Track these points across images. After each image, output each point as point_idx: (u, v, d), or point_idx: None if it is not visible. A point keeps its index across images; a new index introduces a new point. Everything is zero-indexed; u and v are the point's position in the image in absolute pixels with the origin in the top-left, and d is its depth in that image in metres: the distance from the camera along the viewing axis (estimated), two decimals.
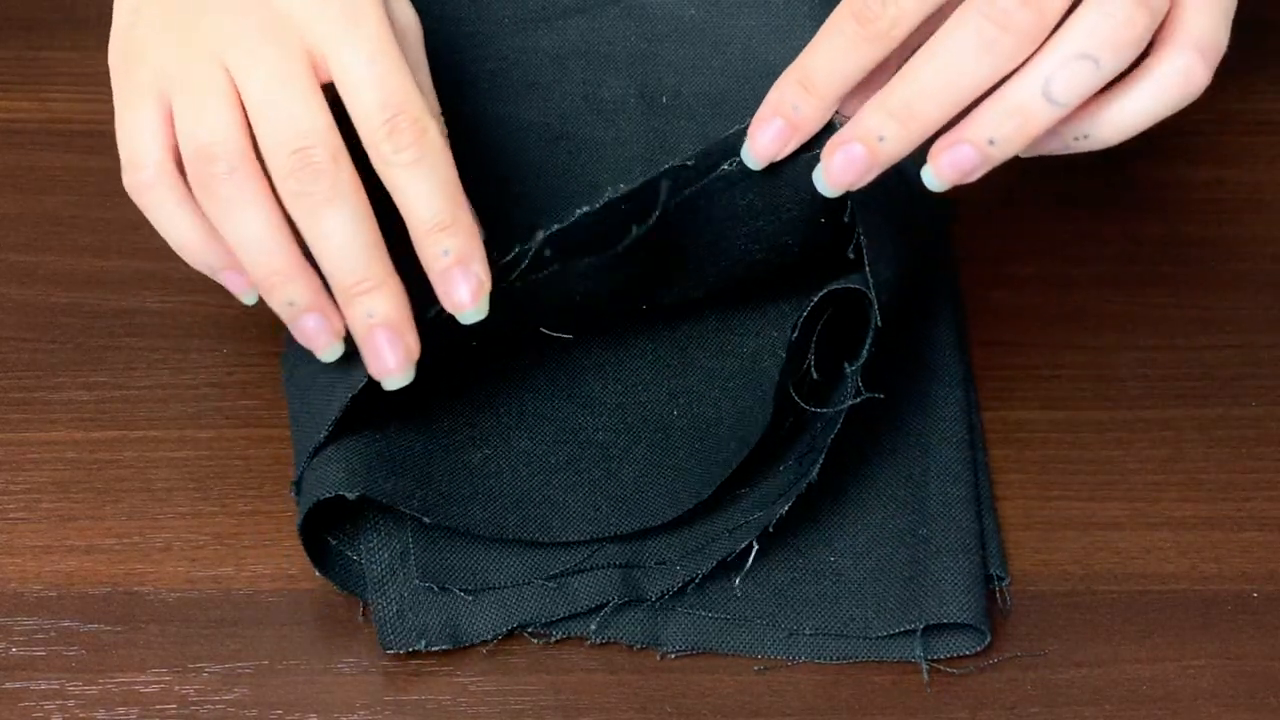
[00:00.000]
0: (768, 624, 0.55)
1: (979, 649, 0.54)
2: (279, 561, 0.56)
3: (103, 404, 0.60)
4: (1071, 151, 0.51)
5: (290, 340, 0.56)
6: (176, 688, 0.53)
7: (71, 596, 0.55)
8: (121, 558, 0.56)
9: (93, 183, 0.67)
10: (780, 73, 0.52)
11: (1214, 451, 0.60)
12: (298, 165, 0.50)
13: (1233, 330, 0.64)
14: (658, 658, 0.54)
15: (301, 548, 0.54)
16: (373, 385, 0.53)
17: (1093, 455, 0.60)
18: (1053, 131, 0.50)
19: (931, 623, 0.54)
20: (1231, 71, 0.74)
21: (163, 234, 0.54)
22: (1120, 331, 0.64)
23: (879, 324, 0.53)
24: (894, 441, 0.59)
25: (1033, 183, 0.67)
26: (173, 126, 0.53)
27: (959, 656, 0.54)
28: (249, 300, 0.55)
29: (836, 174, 0.51)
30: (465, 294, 0.52)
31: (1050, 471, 0.59)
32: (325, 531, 0.55)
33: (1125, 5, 0.47)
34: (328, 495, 0.53)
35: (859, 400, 0.54)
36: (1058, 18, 0.48)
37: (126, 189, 0.53)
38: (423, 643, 0.53)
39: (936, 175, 0.50)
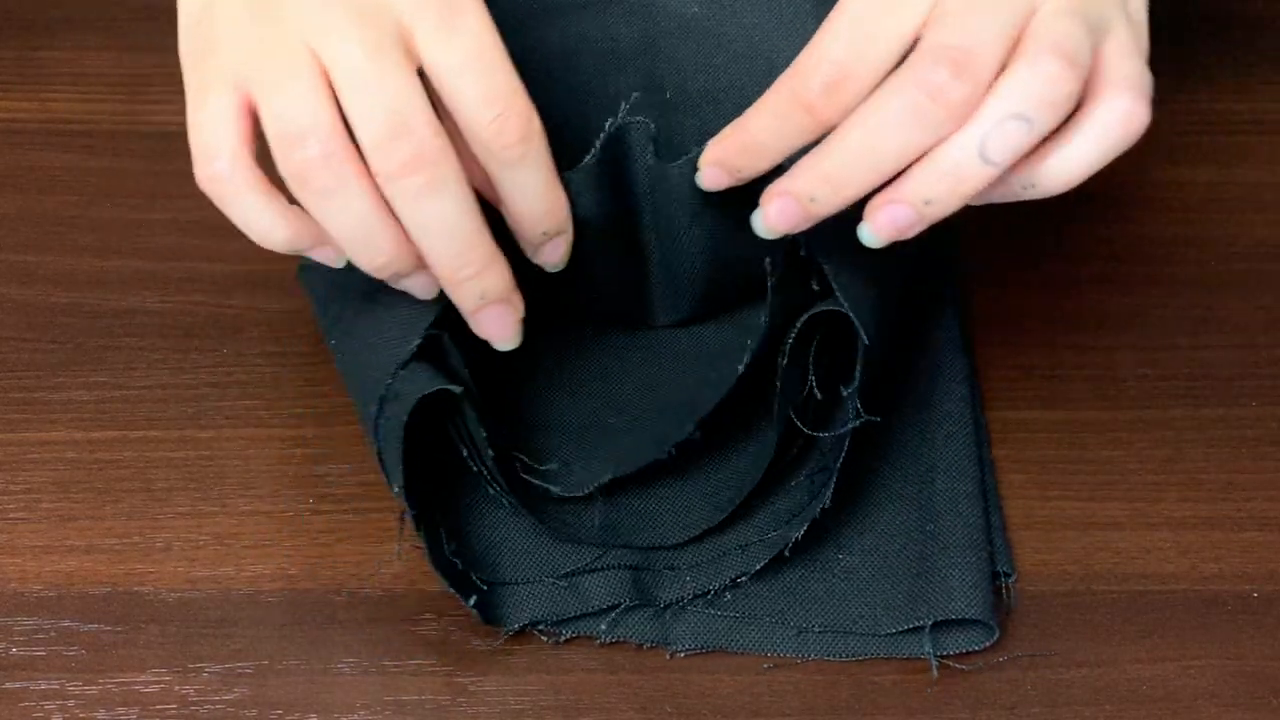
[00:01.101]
0: (777, 622, 0.55)
1: (987, 645, 0.54)
2: (279, 561, 0.56)
3: (103, 404, 0.60)
4: (1019, 199, 0.51)
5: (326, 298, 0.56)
6: (176, 688, 0.53)
7: (71, 596, 0.55)
8: (121, 558, 0.56)
9: (93, 183, 0.67)
10: (783, 69, 0.52)
11: (1214, 451, 0.60)
12: (394, 146, 0.48)
13: (1233, 330, 0.64)
14: (667, 656, 0.54)
15: (302, 548, 0.54)
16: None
17: (1093, 455, 0.60)
18: (999, 182, 0.50)
19: (940, 619, 0.54)
20: (1231, 71, 0.74)
21: (243, 227, 0.51)
22: (1120, 331, 0.64)
23: (867, 341, 0.53)
24: (900, 438, 0.59)
25: None
26: (249, 117, 0.50)
27: (968, 653, 0.54)
28: (341, 264, 0.53)
29: (772, 220, 0.51)
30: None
31: (1050, 471, 0.59)
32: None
33: (1055, 63, 0.47)
34: (430, 390, 0.52)
35: (860, 423, 0.54)
36: (989, 84, 0.48)
37: (199, 182, 0.50)
38: (472, 602, 0.53)
39: (874, 232, 0.50)
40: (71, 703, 0.52)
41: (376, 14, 0.49)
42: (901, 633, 0.54)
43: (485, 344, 0.55)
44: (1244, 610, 0.56)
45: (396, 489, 0.52)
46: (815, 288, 0.55)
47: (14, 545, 0.56)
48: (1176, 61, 0.74)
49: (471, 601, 0.53)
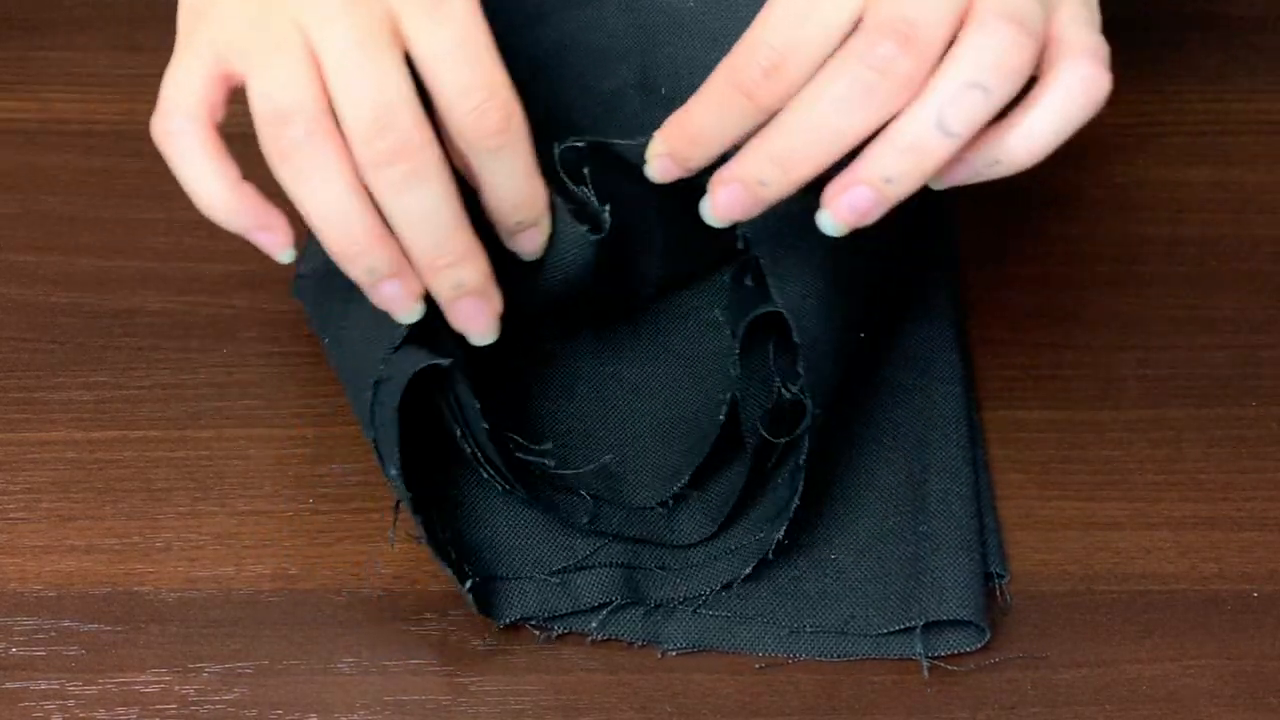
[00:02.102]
0: (768, 622, 0.55)
1: (979, 646, 0.54)
2: (279, 561, 0.56)
3: (103, 404, 0.60)
4: (985, 179, 0.50)
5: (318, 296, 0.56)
6: (176, 688, 0.53)
7: (71, 596, 0.55)
8: (121, 558, 0.56)
9: (93, 183, 0.67)
10: None
11: (1214, 451, 0.60)
12: (378, 135, 0.49)
13: (1233, 330, 0.64)
14: (658, 655, 0.54)
15: (302, 548, 0.54)
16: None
17: (1093, 455, 0.60)
18: (961, 161, 0.49)
19: (931, 619, 0.54)
20: (1231, 71, 0.74)
21: (188, 189, 0.51)
22: (1120, 331, 0.64)
23: (798, 340, 0.52)
24: (894, 439, 0.59)
25: (1033, 182, 0.67)
26: (222, 86, 0.50)
27: (959, 654, 0.54)
28: (285, 258, 0.52)
29: (721, 208, 0.51)
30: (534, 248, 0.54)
31: (1050, 471, 0.59)
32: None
33: (1008, 28, 0.46)
34: (422, 366, 0.52)
35: (812, 420, 0.53)
36: (938, 57, 0.47)
37: (154, 136, 0.50)
38: (468, 587, 0.53)
39: (834, 218, 0.49)
40: (71, 703, 0.52)
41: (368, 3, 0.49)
42: (893, 633, 0.54)
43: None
44: (1244, 610, 0.56)
45: (393, 471, 0.52)
46: (749, 283, 0.54)
47: (14, 545, 0.56)
48: (1176, 61, 0.74)
49: (467, 586, 0.53)
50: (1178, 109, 0.72)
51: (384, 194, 0.50)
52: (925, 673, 0.54)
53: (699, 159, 0.51)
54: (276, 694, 0.53)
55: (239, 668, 0.53)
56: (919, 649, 0.54)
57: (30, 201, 0.66)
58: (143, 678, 0.53)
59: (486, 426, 0.54)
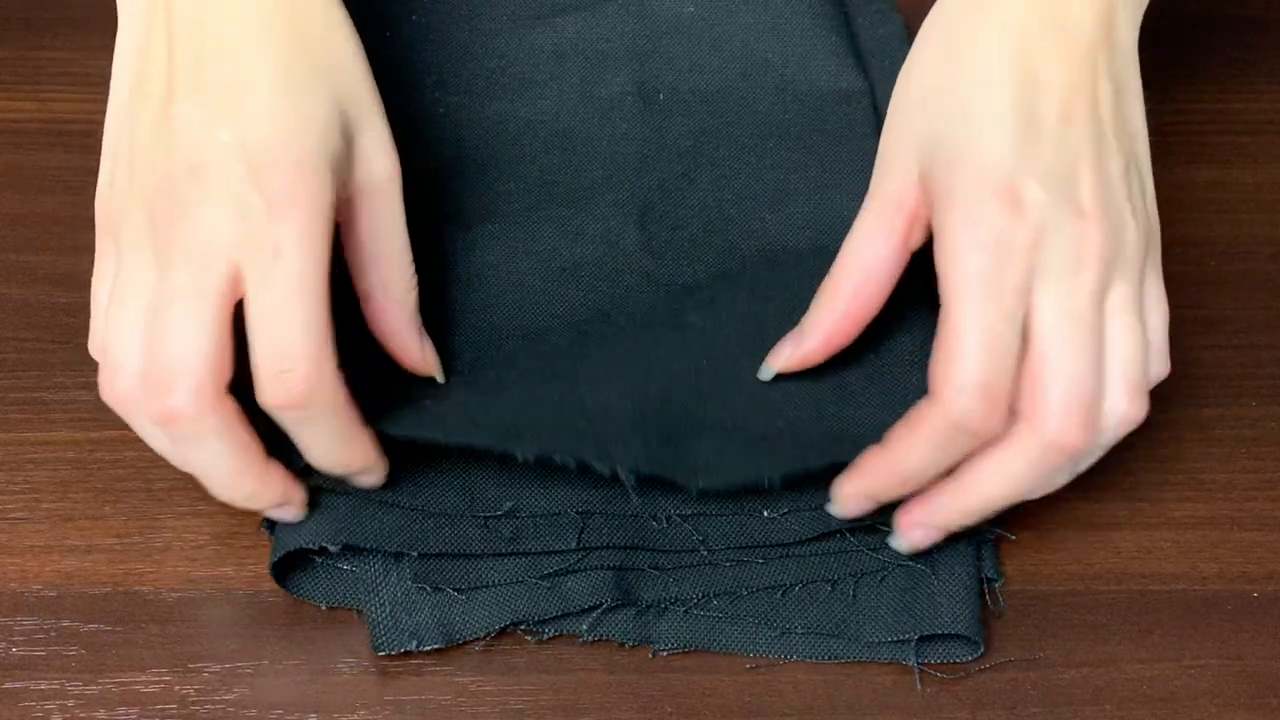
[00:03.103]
0: (760, 623, 0.55)
1: (973, 658, 0.54)
2: None
3: (102, 404, 0.60)
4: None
5: None
6: (176, 688, 0.53)
7: (71, 596, 0.55)
8: (121, 558, 0.56)
9: (93, 183, 0.67)
10: (777, 70, 0.52)
11: (1214, 451, 0.60)
12: (164, 392, 0.49)
13: (1233, 330, 0.64)
14: (649, 655, 0.54)
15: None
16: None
17: None
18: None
19: (925, 633, 0.54)
20: (1231, 71, 0.74)
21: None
22: None
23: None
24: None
25: None
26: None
27: (952, 663, 0.54)
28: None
29: (909, 546, 0.55)
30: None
31: None
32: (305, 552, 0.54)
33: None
34: (307, 545, 0.53)
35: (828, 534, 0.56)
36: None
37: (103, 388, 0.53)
38: (414, 643, 0.53)
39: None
40: (71, 703, 0.52)
41: (208, 248, 0.49)
42: (885, 642, 0.54)
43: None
44: (1244, 610, 0.56)
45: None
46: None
47: (14, 545, 0.56)
48: (1176, 62, 0.74)
49: (415, 645, 0.53)
50: (1178, 109, 0.72)
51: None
52: (918, 684, 0.54)
53: (902, 494, 0.54)
54: (276, 694, 0.53)
55: (239, 668, 0.53)
56: (911, 658, 0.54)
57: (30, 201, 0.66)
58: (143, 678, 0.53)
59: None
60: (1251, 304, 0.65)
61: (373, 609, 0.54)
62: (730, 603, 0.55)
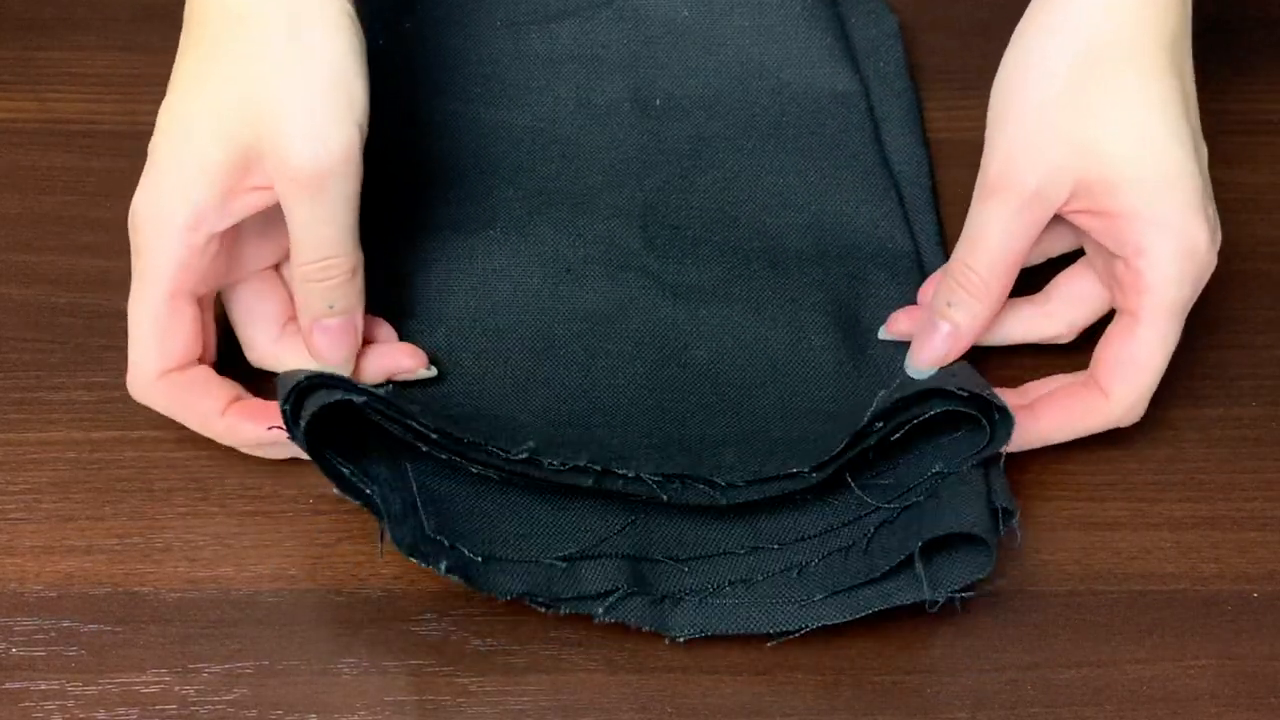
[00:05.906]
0: (777, 600, 0.54)
1: (985, 574, 0.53)
2: (279, 561, 0.56)
3: (103, 404, 0.60)
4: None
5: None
6: (176, 688, 0.53)
7: (71, 596, 0.55)
8: (121, 558, 0.56)
9: (93, 183, 0.67)
10: (773, 73, 0.52)
11: (1214, 451, 0.60)
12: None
13: (1233, 330, 0.64)
14: (664, 646, 0.54)
15: (302, 548, 0.54)
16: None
17: (1093, 455, 0.60)
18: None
19: (929, 536, 0.53)
20: (1231, 72, 0.74)
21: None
22: None
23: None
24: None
25: None
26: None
27: (966, 601, 0.53)
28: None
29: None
30: None
31: (1050, 471, 0.59)
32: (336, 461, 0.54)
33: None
34: (332, 400, 0.52)
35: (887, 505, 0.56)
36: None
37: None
38: (443, 564, 0.52)
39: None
40: (71, 703, 0.52)
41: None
42: (898, 577, 0.53)
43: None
44: (1244, 610, 0.56)
45: (348, 473, 0.53)
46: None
47: (14, 545, 0.56)
48: None
49: (443, 568, 0.52)
50: None
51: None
52: (929, 607, 0.53)
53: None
54: (276, 694, 0.53)
55: (239, 668, 0.53)
56: (925, 589, 0.53)
57: (30, 201, 0.66)
58: (143, 678, 0.53)
59: (437, 437, 0.53)
60: (1251, 304, 0.65)
61: (397, 534, 0.53)
62: (746, 589, 0.55)
